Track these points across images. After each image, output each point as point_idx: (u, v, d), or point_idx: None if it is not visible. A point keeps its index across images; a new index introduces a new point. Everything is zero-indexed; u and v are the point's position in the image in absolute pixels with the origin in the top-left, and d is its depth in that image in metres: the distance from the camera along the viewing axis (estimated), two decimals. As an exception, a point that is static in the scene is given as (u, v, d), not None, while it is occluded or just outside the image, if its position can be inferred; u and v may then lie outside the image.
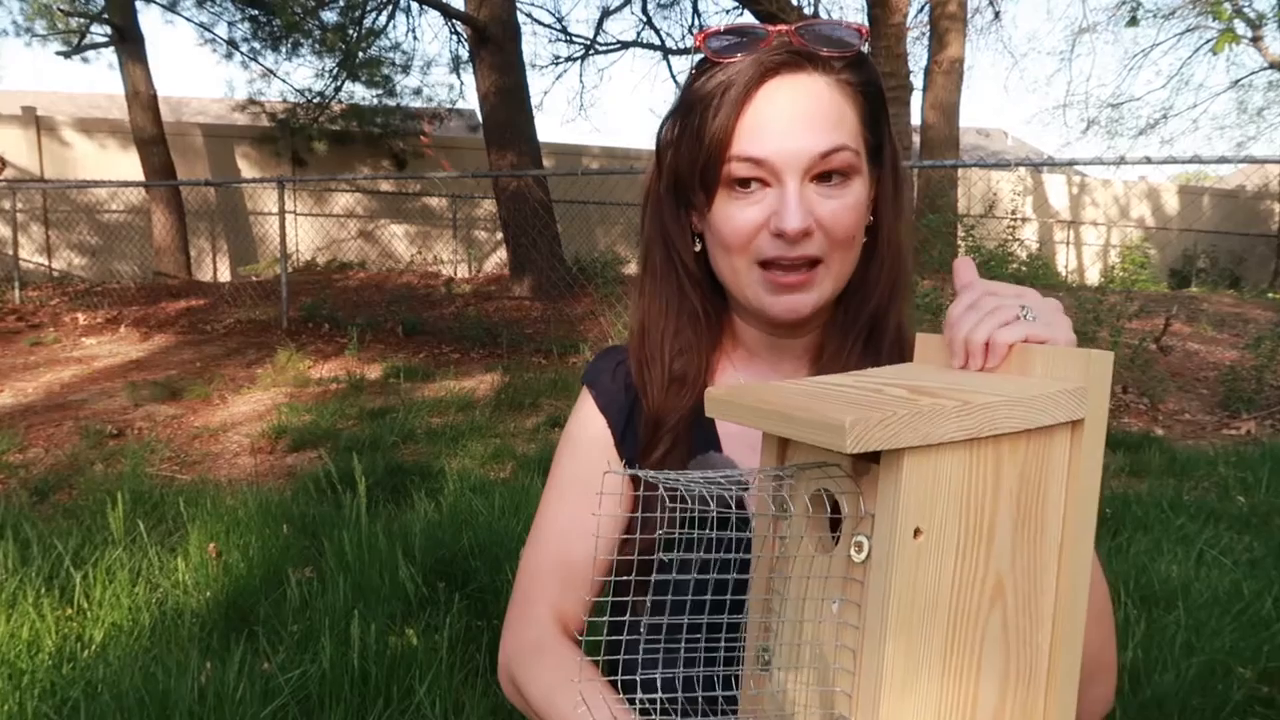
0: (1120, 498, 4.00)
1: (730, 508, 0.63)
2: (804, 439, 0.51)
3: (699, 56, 0.80)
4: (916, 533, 0.51)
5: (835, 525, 0.57)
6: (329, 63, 12.60)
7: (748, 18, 10.96)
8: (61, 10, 11.40)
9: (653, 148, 0.86)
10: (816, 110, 0.75)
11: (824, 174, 0.75)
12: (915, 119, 10.67)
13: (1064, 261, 15.92)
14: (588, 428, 0.89)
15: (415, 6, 12.39)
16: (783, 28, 0.77)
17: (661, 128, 0.83)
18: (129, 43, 10.57)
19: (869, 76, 0.78)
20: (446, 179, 11.35)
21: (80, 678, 2.45)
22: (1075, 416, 0.55)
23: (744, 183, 0.76)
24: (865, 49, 0.79)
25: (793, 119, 0.74)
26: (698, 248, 0.84)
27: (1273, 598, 2.87)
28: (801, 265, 0.77)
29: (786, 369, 0.87)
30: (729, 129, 0.75)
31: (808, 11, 11.22)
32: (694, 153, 0.78)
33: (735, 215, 0.77)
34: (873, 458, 0.52)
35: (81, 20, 11.48)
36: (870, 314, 0.83)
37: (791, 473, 0.58)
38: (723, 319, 0.88)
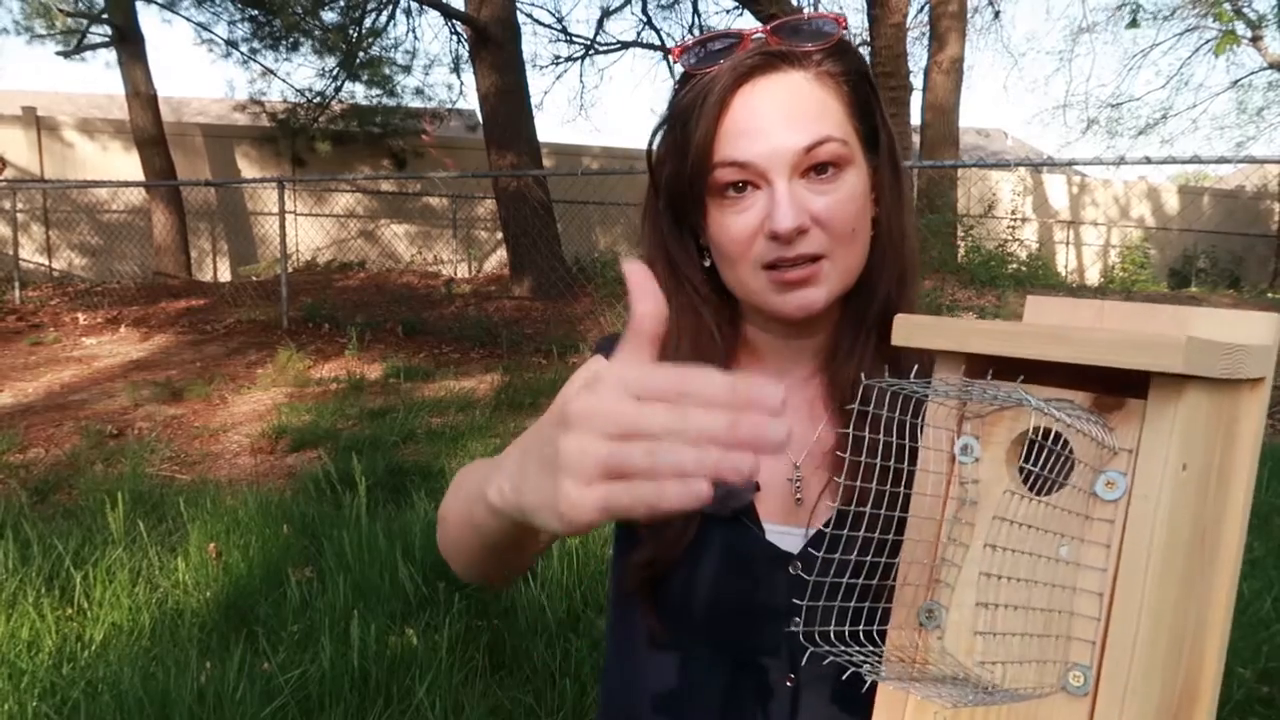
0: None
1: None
2: (1110, 363, 0.49)
3: (680, 71, 0.80)
4: (1184, 467, 0.50)
5: (1024, 472, 0.56)
6: (329, 62, 12.62)
7: (747, 18, 10.97)
8: (61, 10, 11.40)
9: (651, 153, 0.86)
10: (795, 106, 0.74)
11: (813, 169, 0.75)
12: (915, 119, 10.68)
13: (1064, 261, 15.93)
14: (594, 367, 0.87)
15: (415, 6, 12.40)
16: (758, 29, 0.76)
17: (650, 144, 0.83)
18: (129, 43, 10.58)
19: (851, 65, 0.77)
20: (446, 179, 11.36)
21: (80, 678, 2.45)
22: (1261, 374, 0.56)
23: (737, 187, 0.76)
24: (846, 35, 0.78)
25: (772, 118, 0.74)
26: (707, 263, 0.83)
27: (1272, 598, 2.88)
28: (804, 261, 0.76)
29: (797, 371, 0.86)
30: (710, 139, 0.75)
31: (808, 11, 11.22)
32: (680, 168, 0.77)
33: (730, 225, 0.77)
34: (1129, 390, 0.51)
35: (81, 20, 11.48)
36: (879, 308, 0.81)
37: (1014, 400, 0.53)
38: (735, 333, 0.87)
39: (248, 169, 12.73)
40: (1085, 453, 0.52)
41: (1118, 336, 0.49)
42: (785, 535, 0.78)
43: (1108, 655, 0.50)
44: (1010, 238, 10.96)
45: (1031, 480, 0.55)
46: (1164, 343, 0.47)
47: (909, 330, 0.57)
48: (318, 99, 12.73)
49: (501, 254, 11.21)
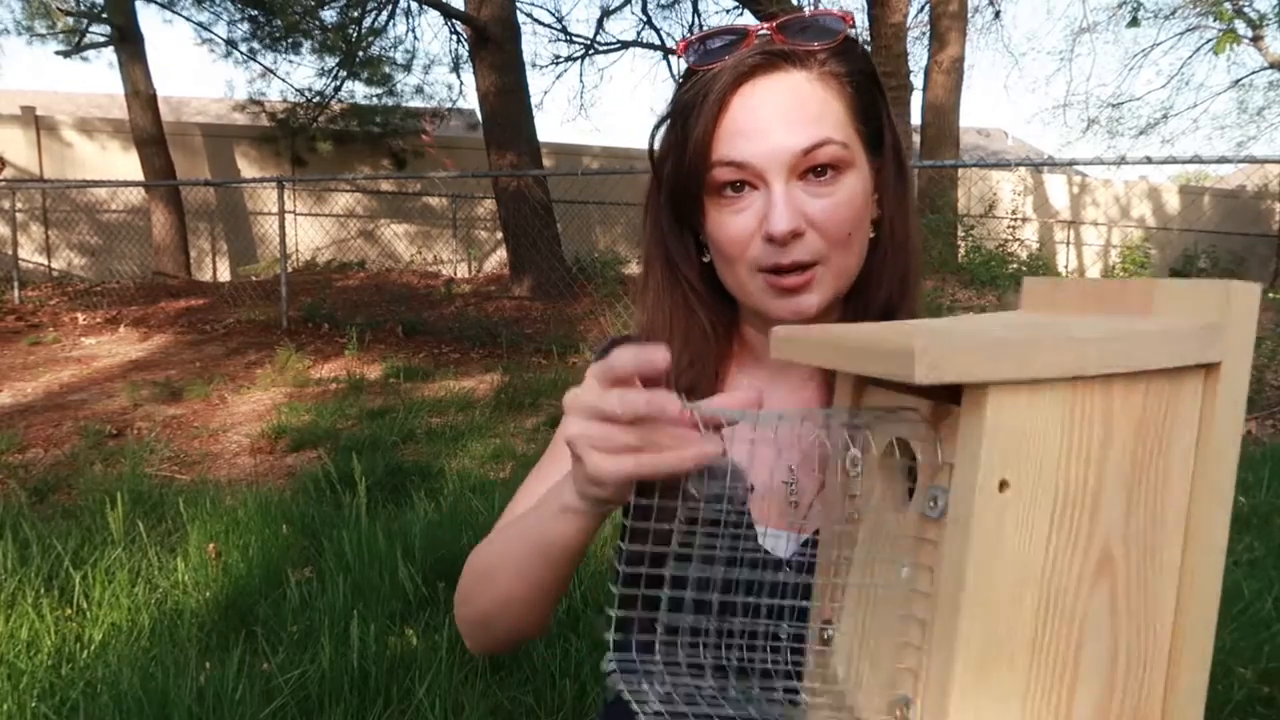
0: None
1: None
2: (864, 371, 0.45)
3: (684, 66, 0.79)
4: (1003, 485, 0.44)
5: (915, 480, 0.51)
6: (329, 62, 12.61)
7: (748, 18, 10.96)
8: (61, 10, 11.40)
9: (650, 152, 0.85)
10: (795, 107, 0.73)
11: (812, 171, 0.74)
12: (915, 119, 10.68)
13: (1064, 261, 15.93)
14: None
15: (415, 6, 12.40)
16: (763, 25, 0.75)
17: (652, 139, 0.82)
18: (129, 42, 10.57)
19: (856, 65, 0.76)
20: (446, 179, 11.36)
21: (79, 678, 2.45)
22: (1207, 359, 0.47)
23: (735, 187, 0.75)
24: (852, 34, 0.77)
25: (771, 119, 0.73)
26: (706, 258, 0.83)
27: (1273, 598, 2.87)
28: (799, 267, 0.75)
29: (795, 374, 0.85)
30: (708, 137, 0.74)
31: (809, 9, 11.22)
32: (680, 164, 0.77)
33: (728, 225, 0.76)
34: (956, 399, 0.45)
35: (81, 20, 11.48)
36: (880, 311, 0.81)
37: (865, 419, 0.50)
38: (731, 331, 0.86)
39: (247, 169, 12.73)
40: (926, 464, 0.48)
41: (870, 342, 0.44)
42: (779, 539, 0.77)
43: (926, 687, 0.46)
44: (1010, 238, 10.96)
45: (896, 494, 0.51)
46: (898, 351, 0.42)
47: (779, 345, 0.56)
48: (317, 99, 12.72)
49: (501, 254, 11.21)
